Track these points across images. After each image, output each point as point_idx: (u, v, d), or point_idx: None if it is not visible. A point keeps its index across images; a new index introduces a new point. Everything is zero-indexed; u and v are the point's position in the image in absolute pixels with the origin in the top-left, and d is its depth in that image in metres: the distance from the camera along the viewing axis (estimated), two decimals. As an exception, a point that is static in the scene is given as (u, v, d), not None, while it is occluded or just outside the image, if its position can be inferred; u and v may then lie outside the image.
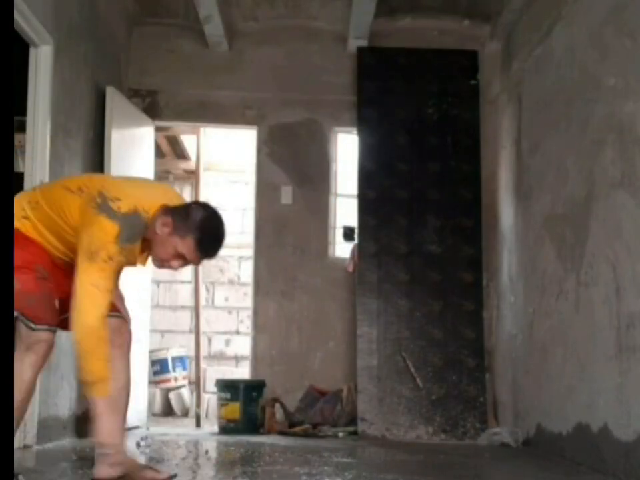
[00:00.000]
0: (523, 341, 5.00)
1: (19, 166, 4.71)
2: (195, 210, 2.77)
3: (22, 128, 4.13)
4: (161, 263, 2.81)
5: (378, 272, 5.53)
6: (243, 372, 7.15)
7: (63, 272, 2.81)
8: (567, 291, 4.20)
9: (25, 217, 2.76)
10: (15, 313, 2.66)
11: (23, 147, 4.21)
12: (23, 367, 2.68)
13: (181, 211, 2.74)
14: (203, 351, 6.88)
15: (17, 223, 2.75)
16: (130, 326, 3.00)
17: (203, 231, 2.72)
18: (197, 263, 2.84)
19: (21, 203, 2.80)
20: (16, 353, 2.67)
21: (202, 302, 6.93)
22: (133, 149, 5.47)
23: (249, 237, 6.67)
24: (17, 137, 4.38)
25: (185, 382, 7.32)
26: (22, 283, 2.66)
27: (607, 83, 3.77)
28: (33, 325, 2.70)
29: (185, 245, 2.71)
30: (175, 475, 2.94)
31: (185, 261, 2.77)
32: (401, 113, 5.75)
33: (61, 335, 4.37)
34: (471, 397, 5.33)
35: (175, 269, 2.82)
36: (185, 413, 7.09)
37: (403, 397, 5.32)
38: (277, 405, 5.50)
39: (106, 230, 2.64)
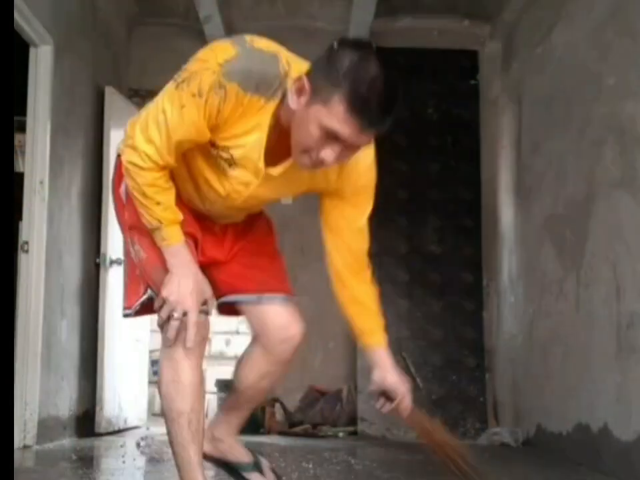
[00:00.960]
0: (523, 341, 5.00)
1: (19, 166, 4.72)
2: (340, 54, 1.69)
3: (22, 128, 4.12)
4: (308, 158, 1.75)
5: (378, 272, 5.44)
6: (242, 372, 7.15)
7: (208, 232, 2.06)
8: (567, 291, 4.20)
9: None
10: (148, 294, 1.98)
11: (22, 147, 4.20)
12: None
13: (320, 63, 1.73)
14: (203, 351, 6.88)
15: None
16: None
17: (355, 81, 1.64)
18: (358, 142, 1.75)
19: None
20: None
21: (202, 302, 6.92)
22: (133, 149, 5.47)
23: (248, 237, 6.65)
24: (17, 137, 4.39)
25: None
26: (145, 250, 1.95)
27: (607, 82, 3.77)
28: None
29: (332, 111, 1.66)
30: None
31: (341, 145, 1.72)
32: (400, 112, 5.74)
33: (61, 336, 4.38)
34: (470, 397, 5.33)
35: (330, 163, 1.76)
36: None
37: (402, 397, 5.31)
38: (277, 405, 5.50)
39: (217, 51, 1.74)
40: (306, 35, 6.04)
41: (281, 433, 5.24)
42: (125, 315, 2.11)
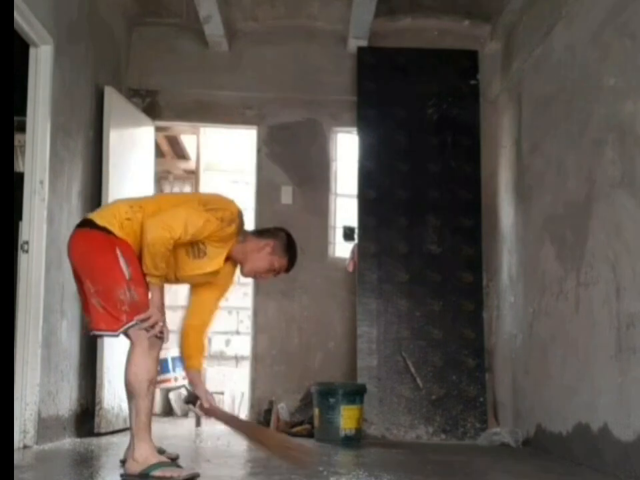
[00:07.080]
0: (523, 341, 5.00)
1: (19, 166, 4.71)
2: (284, 235, 3.50)
3: (22, 128, 4.12)
4: (254, 274, 3.53)
5: (378, 272, 5.52)
6: (243, 372, 7.15)
7: None
8: (567, 291, 4.20)
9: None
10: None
11: (23, 147, 4.20)
12: None
13: (275, 235, 3.49)
14: (203, 351, 6.87)
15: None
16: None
17: (293, 253, 3.50)
18: (278, 274, 3.56)
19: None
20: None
21: (202, 302, 6.91)
22: (133, 148, 5.47)
23: (248, 236, 6.64)
24: (17, 137, 4.38)
25: (185, 382, 7.30)
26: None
27: (607, 82, 3.77)
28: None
29: (282, 262, 3.46)
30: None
31: (275, 274, 3.54)
32: (400, 112, 5.75)
33: (61, 336, 4.38)
34: (470, 397, 5.33)
35: (265, 279, 3.62)
36: (185, 413, 7.09)
37: (402, 397, 5.32)
38: (282, 405, 5.48)
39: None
40: (306, 35, 6.05)
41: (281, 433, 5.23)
42: (100, 335, 3.39)
